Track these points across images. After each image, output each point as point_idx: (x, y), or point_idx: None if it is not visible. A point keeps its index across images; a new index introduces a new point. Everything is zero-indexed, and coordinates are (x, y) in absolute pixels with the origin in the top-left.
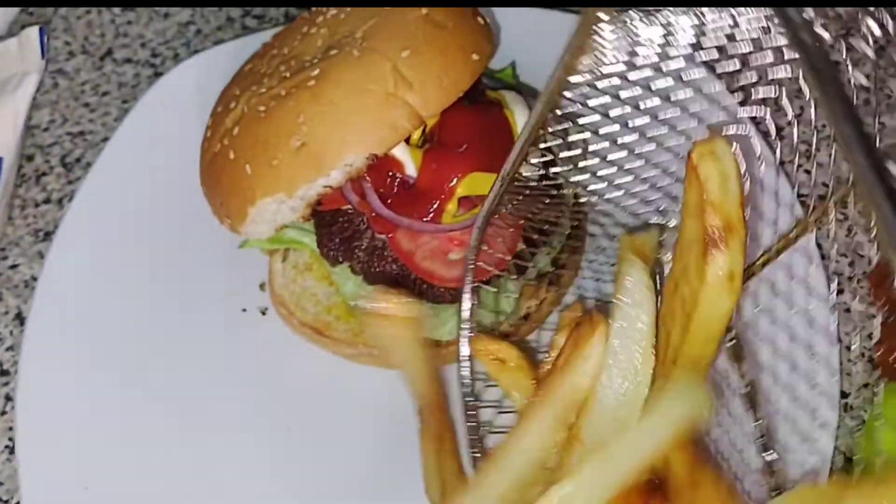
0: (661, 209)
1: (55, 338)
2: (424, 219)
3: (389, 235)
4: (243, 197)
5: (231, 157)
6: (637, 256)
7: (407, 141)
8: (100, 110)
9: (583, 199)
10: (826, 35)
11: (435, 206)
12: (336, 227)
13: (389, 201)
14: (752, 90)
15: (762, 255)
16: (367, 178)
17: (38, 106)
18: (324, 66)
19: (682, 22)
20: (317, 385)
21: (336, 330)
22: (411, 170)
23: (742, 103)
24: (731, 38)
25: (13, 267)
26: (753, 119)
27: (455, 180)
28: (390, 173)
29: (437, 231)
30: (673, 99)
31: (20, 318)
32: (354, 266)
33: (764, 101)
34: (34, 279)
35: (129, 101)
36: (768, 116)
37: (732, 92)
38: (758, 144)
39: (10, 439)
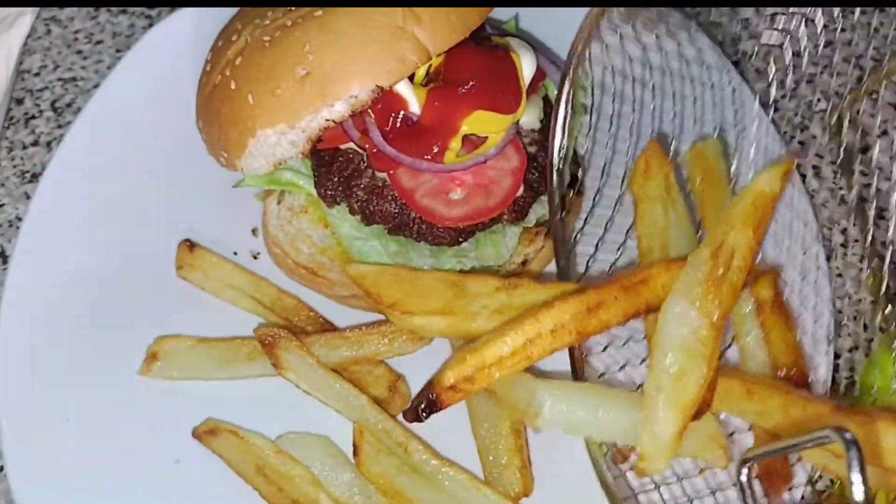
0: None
1: (38, 278)
2: (427, 156)
3: (390, 172)
4: (243, 127)
5: (232, 87)
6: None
7: (411, 80)
8: (92, 58)
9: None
10: None
11: (438, 144)
12: (335, 167)
13: (391, 138)
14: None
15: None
16: (371, 114)
17: (29, 51)
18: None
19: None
20: None
21: (330, 271)
22: (415, 107)
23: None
24: None
25: None
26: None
27: (460, 118)
28: (394, 111)
29: (438, 170)
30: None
31: (4, 257)
32: (353, 205)
33: None
34: (19, 219)
35: (123, 51)
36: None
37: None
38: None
39: None
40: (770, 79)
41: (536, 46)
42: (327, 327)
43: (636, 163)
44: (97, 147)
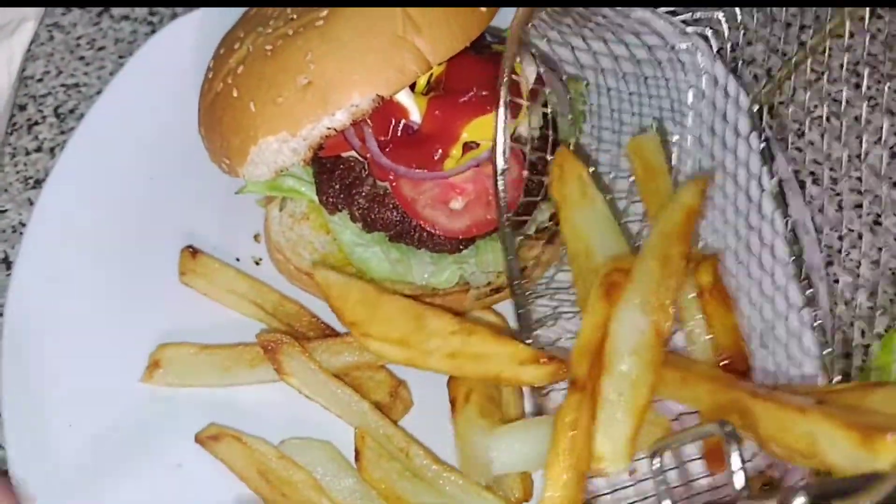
0: None
1: (41, 283)
2: (429, 164)
3: (392, 182)
4: (245, 135)
5: (235, 95)
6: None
7: (412, 88)
8: (95, 64)
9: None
10: None
11: (439, 151)
12: (336, 174)
13: (392, 147)
14: None
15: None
16: (369, 123)
17: (32, 57)
18: (333, 7)
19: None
20: None
21: None
22: (416, 116)
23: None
24: None
25: (2, 212)
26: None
27: (460, 126)
28: (394, 119)
29: (434, 178)
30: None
31: (7, 263)
32: (354, 213)
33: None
34: (22, 225)
35: (126, 57)
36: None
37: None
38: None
39: None
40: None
41: (536, 54)
42: (329, 333)
43: (552, 169)
44: (100, 153)
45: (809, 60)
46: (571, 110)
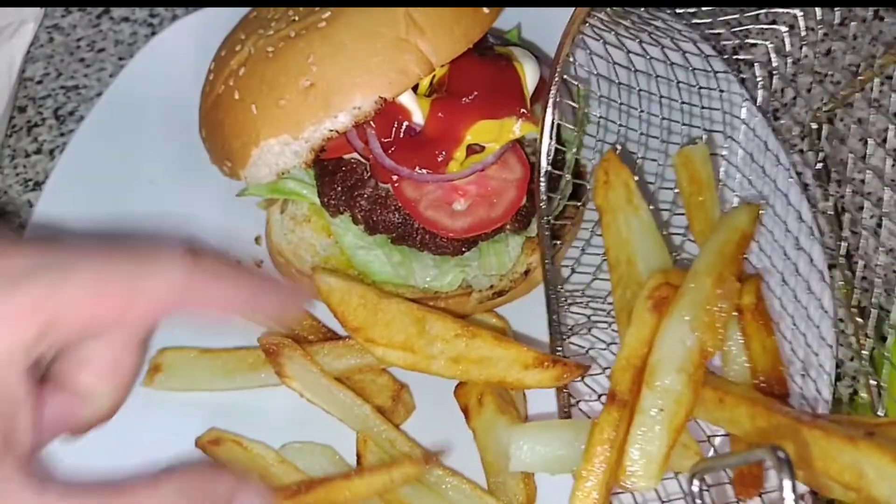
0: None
1: None
2: (432, 166)
3: (394, 184)
4: (247, 137)
5: (236, 98)
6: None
7: (415, 90)
8: (95, 66)
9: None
10: None
11: (443, 154)
12: (338, 176)
13: (395, 149)
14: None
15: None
16: (372, 125)
17: (32, 59)
18: (335, 9)
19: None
20: None
21: None
22: (419, 118)
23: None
24: None
25: (1, 215)
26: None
27: (463, 128)
28: (397, 121)
29: (438, 181)
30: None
31: None
32: (356, 215)
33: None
34: (22, 227)
35: (126, 59)
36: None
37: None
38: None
39: None
40: (758, 81)
41: (539, 56)
42: (330, 336)
43: (596, 174)
44: (100, 155)
45: (877, 80)
46: (575, 116)
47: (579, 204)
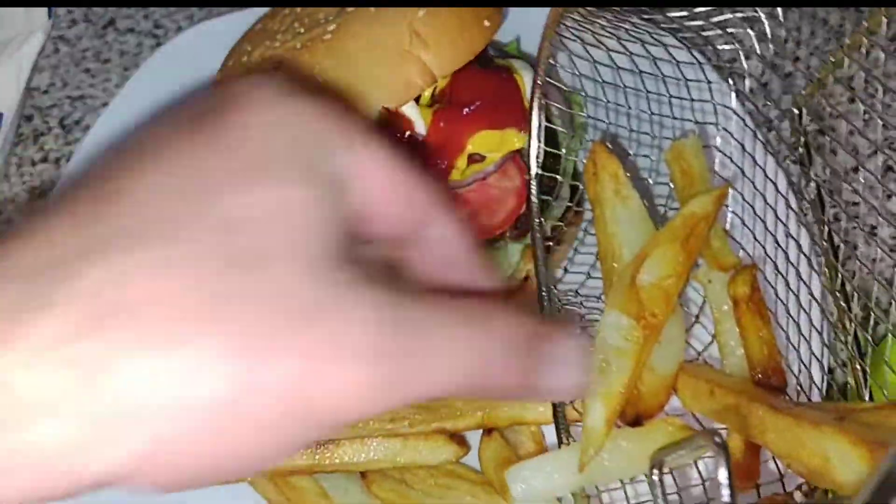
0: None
1: None
2: (434, 175)
3: None
4: None
5: None
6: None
7: (417, 101)
8: (100, 76)
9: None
10: None
11: (444, 163)
12: None
13: None
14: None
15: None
16: None
17: (38, 69)
18: (340, 22)
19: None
20: None
21: None
22: (421, 128)
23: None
24: None
25: (8, 222)
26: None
27: (465, 137)
28: (399, 131)
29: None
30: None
31: None
32: None
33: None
34: None
35: (131, 69)
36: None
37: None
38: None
39: None
40: (745, 72)
41: (533, 62)
42: None
43: (585, 167)
44: None
45: (847, 61)
46: (572, 122)
47: (579, 209)
